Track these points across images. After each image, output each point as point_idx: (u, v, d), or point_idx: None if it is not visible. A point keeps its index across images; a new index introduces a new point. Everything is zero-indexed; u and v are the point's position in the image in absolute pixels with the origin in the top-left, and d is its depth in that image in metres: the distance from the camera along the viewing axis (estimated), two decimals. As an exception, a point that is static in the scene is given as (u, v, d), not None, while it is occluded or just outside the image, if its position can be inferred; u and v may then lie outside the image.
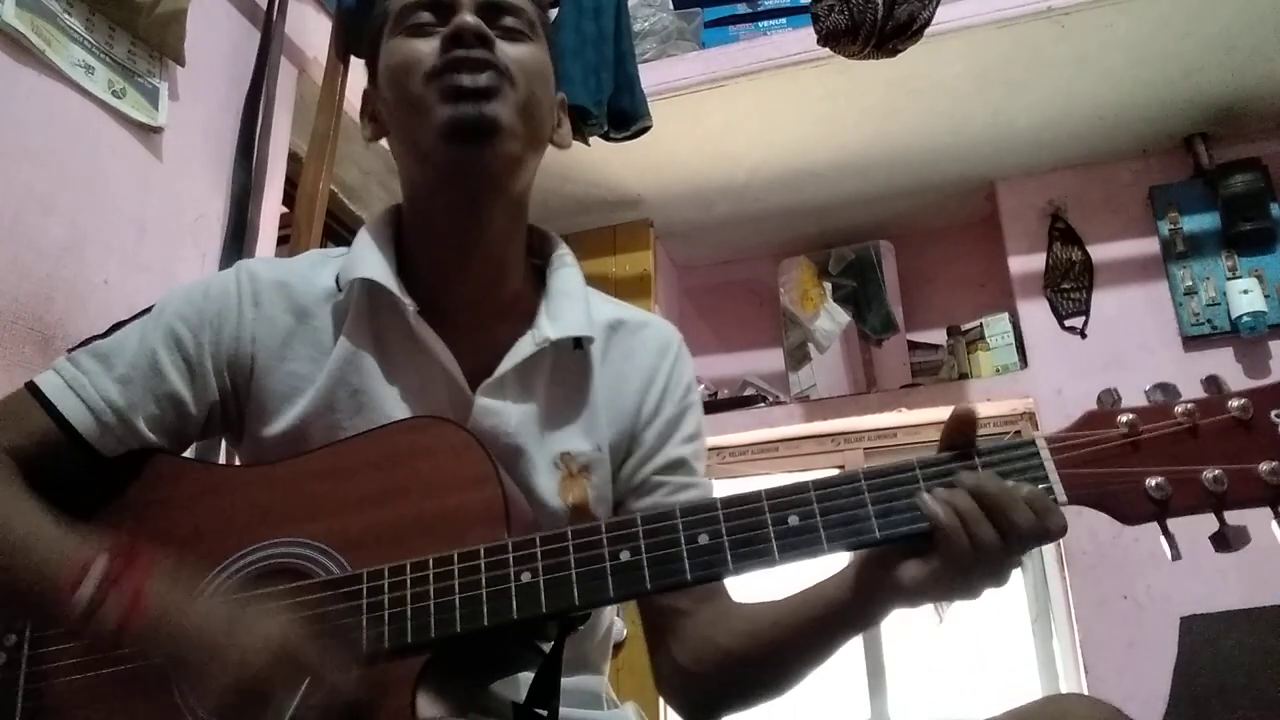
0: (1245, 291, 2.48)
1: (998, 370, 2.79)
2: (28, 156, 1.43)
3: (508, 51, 0.91)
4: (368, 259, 0.92)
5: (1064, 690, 2.40)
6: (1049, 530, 0.70)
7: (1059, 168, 2.86)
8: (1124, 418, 0.73)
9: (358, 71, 2.02)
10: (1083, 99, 2.55)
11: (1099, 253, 2.75)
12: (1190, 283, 2.61)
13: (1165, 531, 0.72)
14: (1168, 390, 0.74)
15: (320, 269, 0.96)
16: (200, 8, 1.77)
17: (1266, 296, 2.49)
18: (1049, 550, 2.61)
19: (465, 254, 0.94)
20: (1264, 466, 0.69)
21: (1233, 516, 0.70)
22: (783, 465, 3.00)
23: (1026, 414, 2.74)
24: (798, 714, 2.56)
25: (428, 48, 0.90)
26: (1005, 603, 2.63)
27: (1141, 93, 2.53)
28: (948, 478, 0.73)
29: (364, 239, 0.96)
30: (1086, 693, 2.32)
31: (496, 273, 0.96)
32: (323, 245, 1.98)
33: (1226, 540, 0.70)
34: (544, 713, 0.78)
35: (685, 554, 0.74)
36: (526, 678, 0.81)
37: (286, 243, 1.95)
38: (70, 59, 1.50)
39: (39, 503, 0.81)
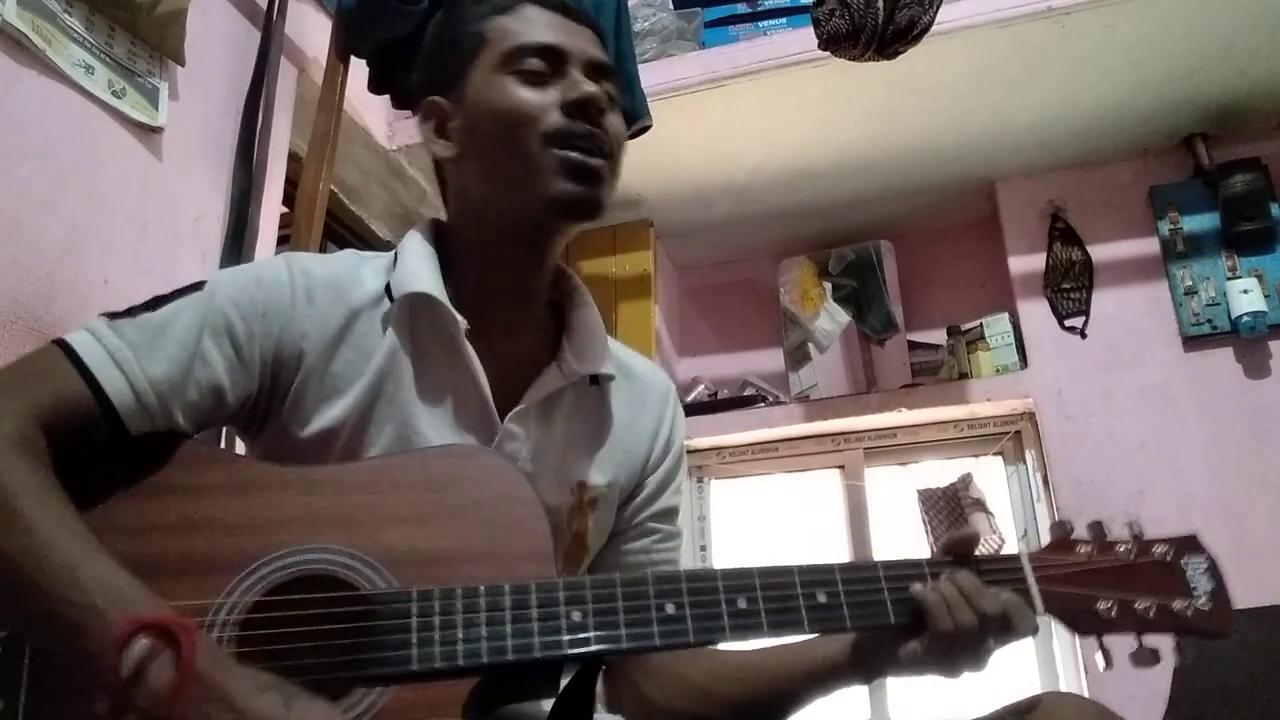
0: (1245, 291, 2.48)
1: (998, 370, 2.78)
2: (28, 156, 1.43)
3: (611, 124, 0.93)
4: (422, 273, 0.92)
5: (1063, 691, 2.39)
6: (1018, 628, 0.83)
7: (1059, 168, 2.85)
8: (1082, 549, 0.89)
9: (358, 71, 2.02)
10: (1083, 99, 2.55)
11: (1099, 253, 2.75)
12: (1190, 283, 2.61)
13: (1102, 646, 0.87)
14: (1101, 529, 0.91)
15: (362, 271, 0.95)
16: (200, 8, 1.77)
17: (1266, 296, 2.48)
18: (1049, 550, 2.60)
19: (518, 285, 0.97)
20: (1177, 604, 0.86)
21: (1149, 639, 0.86)
22: (783, 465, 3.00)
23: (1026, 414, 2.73)
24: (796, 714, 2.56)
25: (543, 100, 0.91)
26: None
27: (1141, 93, 2.53)
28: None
29: (415, 251, 0.95)
30: (1086, 693, 2.32)
31: (533, 301, 0.99)
32: (322, 246, 1.98)
33: (1141, 660, 0.85)
34: None
35: (725, 614, 0.81)
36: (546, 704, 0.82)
37: (286, 242, 1.95)
38: (70, 59, 1.50)
39: (77, 518, 0.73)
